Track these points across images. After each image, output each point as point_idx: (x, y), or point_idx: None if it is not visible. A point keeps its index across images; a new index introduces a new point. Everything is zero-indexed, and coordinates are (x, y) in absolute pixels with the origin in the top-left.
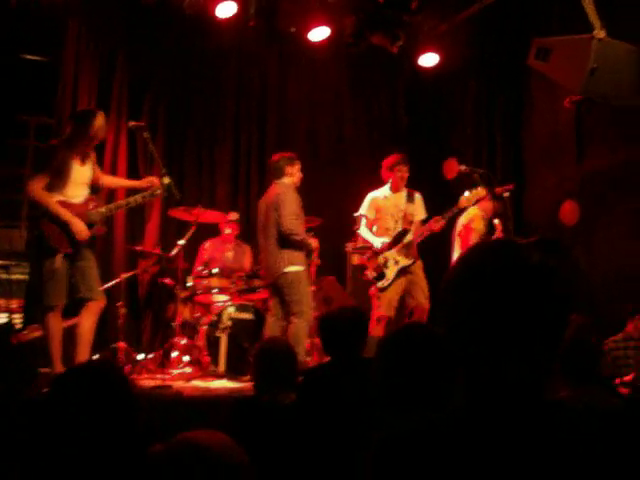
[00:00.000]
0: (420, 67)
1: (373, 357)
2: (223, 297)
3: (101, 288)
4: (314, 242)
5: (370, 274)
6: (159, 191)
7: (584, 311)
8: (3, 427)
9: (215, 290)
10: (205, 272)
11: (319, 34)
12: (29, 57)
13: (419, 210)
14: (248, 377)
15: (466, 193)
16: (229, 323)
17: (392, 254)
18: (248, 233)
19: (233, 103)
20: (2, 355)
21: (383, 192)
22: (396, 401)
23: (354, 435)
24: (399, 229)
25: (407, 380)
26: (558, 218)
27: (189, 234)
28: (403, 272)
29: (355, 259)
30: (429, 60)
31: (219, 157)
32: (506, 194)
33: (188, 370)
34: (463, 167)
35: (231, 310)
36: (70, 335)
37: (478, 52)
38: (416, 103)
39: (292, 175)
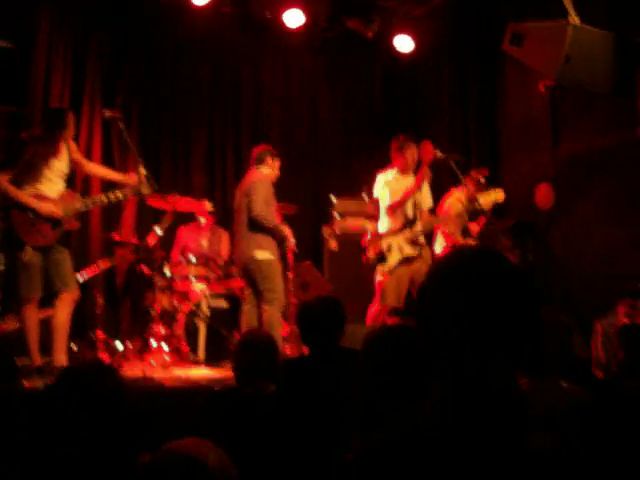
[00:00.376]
0: (396, 52)
1: (360, 352)
2: (201, 285)
3: (75, 279)
4: (286, 229)
5: (370, 256)
6: (143, 189)
7: (559, 296)
8: None
9: (193, 278)
10: (183, 260)
11: (294, 20)
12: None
13: (426, 198)
14: (227, 364)
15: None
16: (207, 312)
17: (398, 240)
18: (226, 221)
19: (208, 90)
20: None
21: (392, 174)
22: (383, 399)
23: (333, 426)
24: (409, 215)
25: (396, 377)
26: (533, 202)
27: (166, 223)
28: (408, 262)
29: (332, 244)
30: (404, 44)
31: (195, 145)
32: (481, 179)
33: (167, 359)
34: (439, 153)
35: (209, 298)
36: (48, 325)
37: (453, 36)
38: (392, 89)
39: (272, 167)
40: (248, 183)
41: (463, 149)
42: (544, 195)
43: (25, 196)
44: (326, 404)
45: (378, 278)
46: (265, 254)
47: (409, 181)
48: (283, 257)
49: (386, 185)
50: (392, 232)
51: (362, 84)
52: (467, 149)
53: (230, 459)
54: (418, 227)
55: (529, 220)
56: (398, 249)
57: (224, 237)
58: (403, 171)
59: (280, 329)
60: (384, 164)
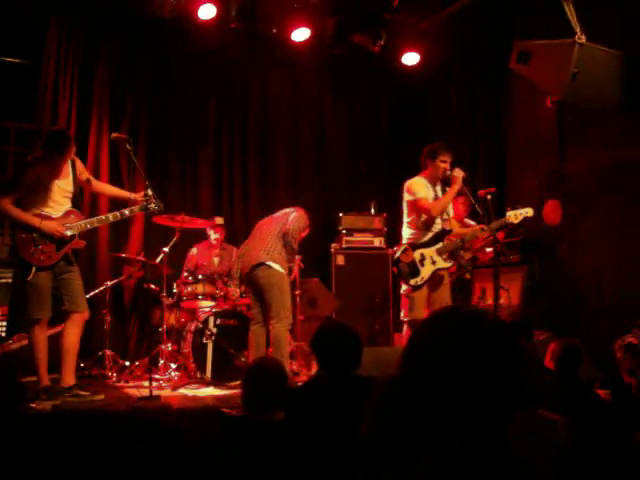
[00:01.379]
0: (403, 66)
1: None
2: (208, 303)
3: (85, 299)
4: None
5: (403, 269)
6: (151, 206)
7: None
8: None
9: (200, 296)
10: (190, 279)
11: (300, 35)
12: (8, 59)
13: (450, 208)
14: (235, 383)
15: (515, 211)
16: (215, 330)
17: (431, 252)
18: (234, 237)
19: (215, 106)
20: None
21: (422, 179)
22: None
23: (344, 455)
24: (439, 226)
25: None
26: (541, 218)
27: (173, 241)
28: (436, 274)
29: (339, 259)
30: (411, 58)
31: (202, 161)
32: (488, 196)
33: (175, 377)
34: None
35: (217, 316)
36: (56, 342)
37: (460, 50)
38: (399, 104)
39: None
40: (290, 222)
41: (470, 165)
42: (552, 211)
43: (27, 216)
44: (337, 433)
45: (405, 289)
46: (276, 266)
47: (438, 193)
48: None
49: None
50: (424, 243)
51: (369, 99)
52: (474, 165)
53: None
54: (450, 240)
55: (536, 236)
56: (431, 261)
57: (234, 253)
58: (433, 180)
59: (288, 347)
60: (391, 179)
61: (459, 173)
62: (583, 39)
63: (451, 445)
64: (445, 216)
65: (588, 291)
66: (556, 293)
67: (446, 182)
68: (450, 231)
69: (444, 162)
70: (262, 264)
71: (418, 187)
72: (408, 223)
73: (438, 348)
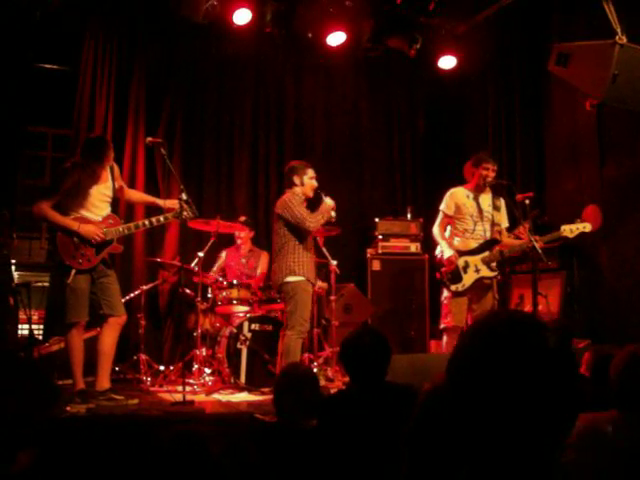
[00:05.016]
0: (439, 70)
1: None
2: (243, 308)
3: (122, 303)
4: (330, 201)
5: (444, 275)
6: (185, 213)
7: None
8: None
9: (235, 301)
10: (225, 283)
11: (336, 39)
12: (47, 66)
13: (504, 218)
14: (268, 389)
15: (572, 225)
16: (249, 335)
17: (475, 260)
18: (267, 242)
19: (250, 111)
20: (23, 370)
21: (465, 190)
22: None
23: (376, 464)
24: (485, 235)
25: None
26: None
27: (208, 245)
28: (480, 282)
29: (375, 265)
30: (448, 62)
31: (237, 166)
32: (526, 201)
33: (209, 381)
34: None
35: (251, 322)
36: (92, 346)
37: (497, 53)
38: (435, 108)
39: (302, 184)
40: (276, 204)
41: (508, 169)
42: (591, 216)
43: (66, 220)
44: (369, 440)
45: (446, 296)
46: (295, 277)
47: (483, 201)
48: (327, 279)
49: (453, 197)
50: (470, 251)
51: (405, 104)
52: (512, 169)
53: None
54: (497, 249)
55: (576, 242)
56: (475, 269)
57: (263, 257)
58: (478, 189)
59: (297, 356)
60: (427, 184)
61: (330, 202)
62: (624, 40)
63: (489, 460)
64: (498, 227)
65: (627, 298)
66: (595, 300)
67: (496, 191)
68: (498, 241)
69: (486, 170)
70: (280, 281)
71: (447, 197)
72: (453, 230)
73: (489, 356)
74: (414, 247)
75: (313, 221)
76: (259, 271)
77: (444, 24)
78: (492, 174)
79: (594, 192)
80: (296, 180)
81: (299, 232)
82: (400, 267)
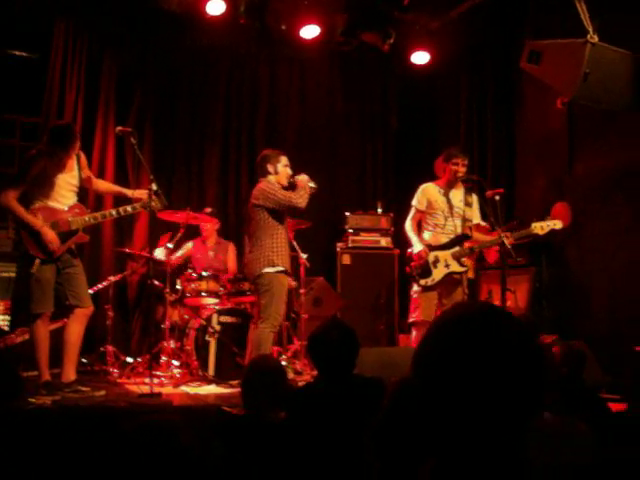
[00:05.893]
0: (412, 65)
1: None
2: (212, 300)
3: (89, 294)
4: (303, 176)
5: (414, 269)
6: (154, 204)
7: (576, 316)
8: None
9: (204, 293)
10: (194, 275)
11: (310, 32)
12: (16, 53)
13: (475, 214)
14: (237, 382)
15: (542, 222)
16: (218, 327)
17: (445, 255)
18: (237, 234)
19: (223, 102)
20: None
21: (436, 186)
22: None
23: (345, 455)
24: (456, 231)
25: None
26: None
27: (178, 236)
28: (450, 277)
29: (345, 259)
30: (421, 58)
31: (208, 158)
32: (497, 197)
33: (177, 374)
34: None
35: (220, 314)
36: (58, 337)
37: (470, 50)
38: (408, 102)
39: (276, 173)
40: (255, 192)
41: (480, 165)
42: (560, 213)
43: (30, 217)
44: (337, 433)
45: (415, 290)
46: (274, 269)
47: (454, 196)
48: (295, 273)
49: (425, 193)
50: (440, 246)
51: (378, 98)
52: (484, 165)
53: None
54: (467, 245)
55: (545, 238)
56: (444, 264)
57: (230, 249)
58: (449, 185)
59: (268, 349)
60: (398, 178)
61: (304, 176)
62: (595, 39)
63: (458, 450)
64: (469, 223)
65: (596, 294)
66: (563, 296)
67: (468, 187)
68: (469, 236)
69: (456, 165)
70: (256, 273)
71: (419, 193)
72: (423, 225)
73: (453, 348)
74: (384, 241)
75: (300, 198)
76: (229, 265)
77: (418, 19)
78: (462, 169)
79: (564, 189)
80: (270, 169)
81: (280, 220)
82: (370, 261)
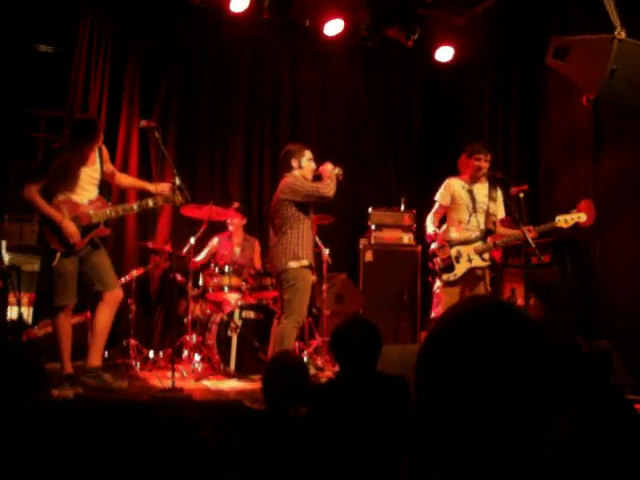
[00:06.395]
0: (436, 62)
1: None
2: (234, 295)
3: (116, 278)
4: (327, 165)
5: (437, 264)
6: (177, 198)
7: (600, 314)
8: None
9: (226, 288)
10: (217, 270)
11: (334, 28)
12: (41, 48)
13: (500, 208)
14: (258, 377)
15: (566, 215)
16: (240, 322)
17: (468, 250)
18: (265, 231)
19: (246, 98)
20: (12, 353)
21: (461, 181)
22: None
23: (365, 451)
24: (480, 226)
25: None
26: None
27: (200, 231)
28: (472, 272)
29: (368, 255)
30: (445, 54)
31: (232, 153)
32: (521, 194)
33: (198, 368)
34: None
35: (242, 309)
36: (80, 330)
37: (494, 46)
38: (431, 98)
39: (301, 167)
40: (281, 187)
41: (503, 163)
42: (585, 210)
43: (51, 210)
44: (359, 428)
45: (438, 286)
46: (299, 263)
47: (479, 191)
48: (318, 269)
49: (449, 188)
50: (464, 241)
51: (402, 94)
52: (507, 163)
53: None
54: (490, 240)
55: (569, 236)
56: (467, 258)
57: (256, 246)
58: (473, 180)
59: (291, 345)
60: (421, 175)
61: (328, 166)
62: (623, 35)
63: (472, 457)
64: (493, 218)
65: (621, 293)
66: (588, 294)
67: (492, 182)
68: (492, 231)
69: (479, 160)
70: (282, 267)
71: (443, 188)
72: (448, 220)
73: (459, 346)
74: (407, 238)
75: (327, 187)
76: (255, 262)
77: (442, 15)
78: (485, 164)
79: (589, 186)
80: (294, 163)
81: (306, 213)
82: (393, 258)
